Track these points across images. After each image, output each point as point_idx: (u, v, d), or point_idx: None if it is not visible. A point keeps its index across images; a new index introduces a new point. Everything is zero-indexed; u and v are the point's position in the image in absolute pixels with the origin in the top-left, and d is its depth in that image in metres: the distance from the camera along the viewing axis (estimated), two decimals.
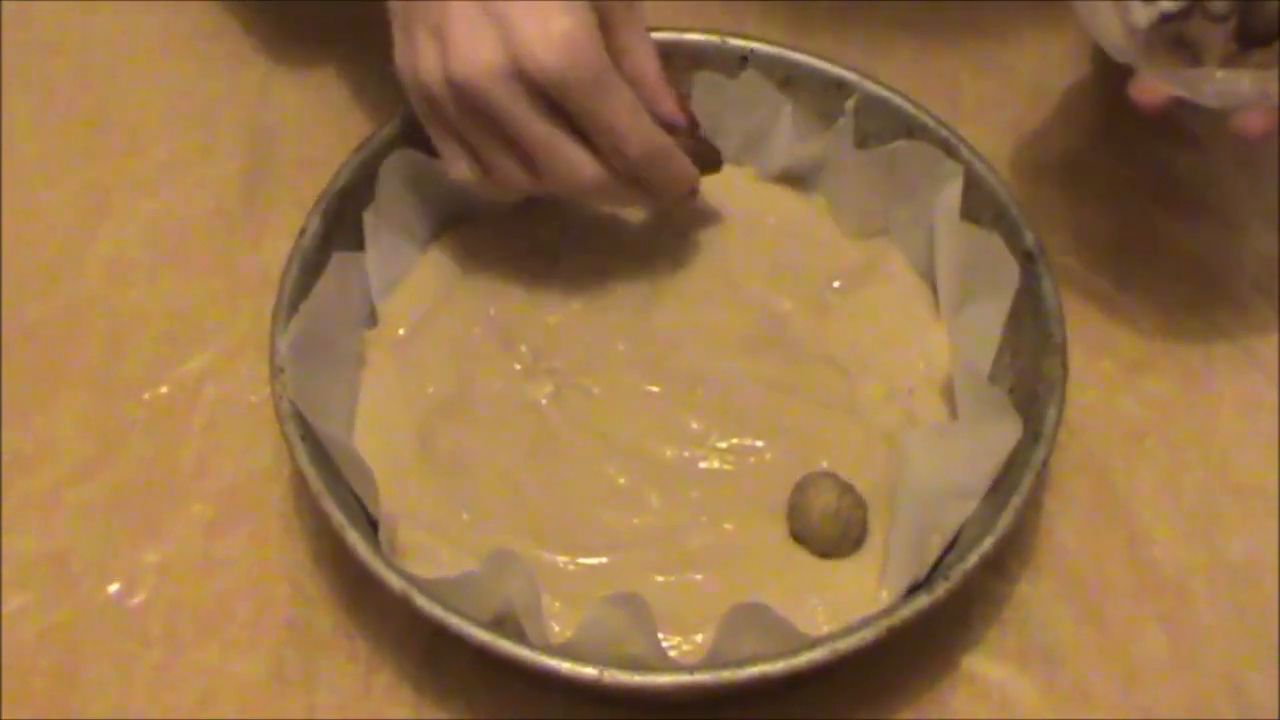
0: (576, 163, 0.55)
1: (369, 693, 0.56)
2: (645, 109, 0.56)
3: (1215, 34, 0.58)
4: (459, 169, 0.57)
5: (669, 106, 0.58)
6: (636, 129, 0.55)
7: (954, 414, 0.59)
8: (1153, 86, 0.57)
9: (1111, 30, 0.58)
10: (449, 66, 0.53)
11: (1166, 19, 0.58)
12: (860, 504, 0.56)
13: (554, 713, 0.55)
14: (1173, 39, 0.58)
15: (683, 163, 0.58)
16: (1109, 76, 0.59)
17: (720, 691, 0.52)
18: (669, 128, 0.58)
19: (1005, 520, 0.53)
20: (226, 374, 0.63)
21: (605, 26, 0.54)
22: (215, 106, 0.71)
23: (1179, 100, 0.56)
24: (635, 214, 0.64)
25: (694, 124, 0.60)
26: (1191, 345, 0.64)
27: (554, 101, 0.53)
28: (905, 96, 0.63)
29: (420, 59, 0.55)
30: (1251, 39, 0.58)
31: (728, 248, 0.63)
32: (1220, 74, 0.56)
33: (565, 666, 0.50)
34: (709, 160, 0.61)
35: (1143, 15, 0.58)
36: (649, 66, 0.58)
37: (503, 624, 0.52)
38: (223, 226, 0.67)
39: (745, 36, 0.64)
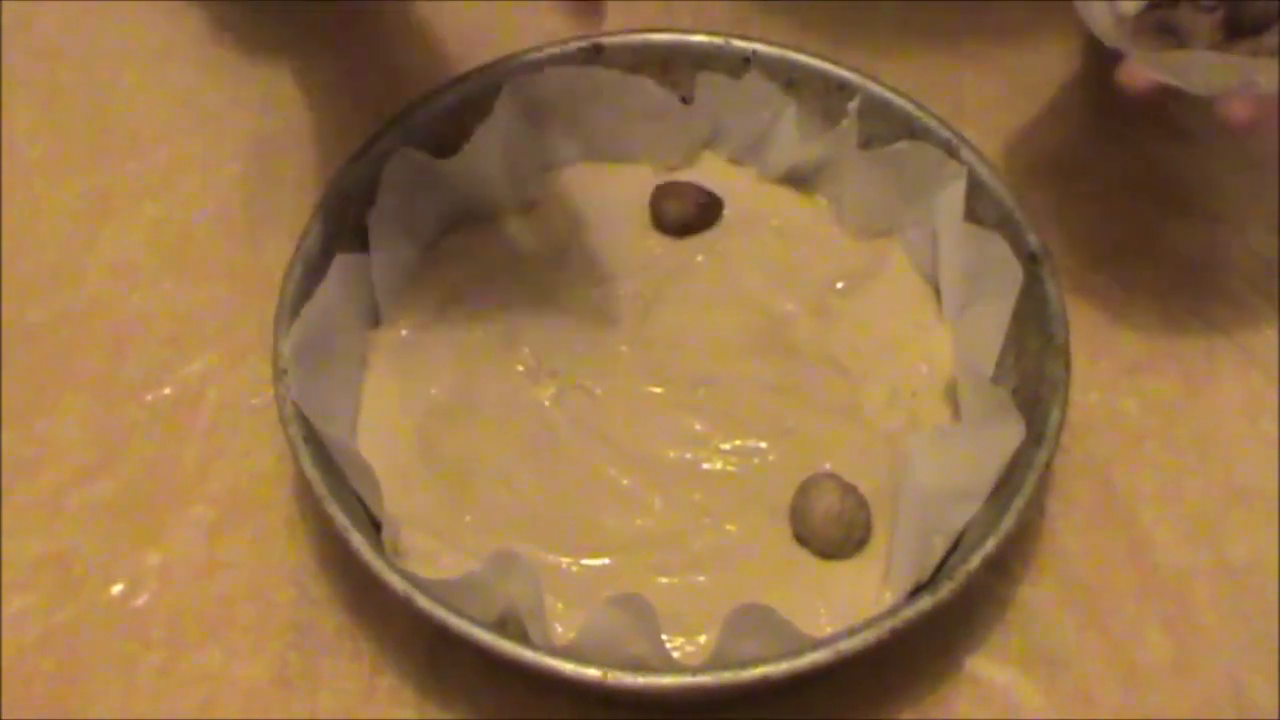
0: None
1: (372, 694, 0.56)
2: None
3: (1203, 23, 0.58)
4: None
5: None
6: None
7: (957, 416, 0.59)
8: (1139, 72, 0.57)
9: (1102, 17, 0.58)
10: None
11: (1155, 5, 0.58)
12: (863, 505, 0.56)
13: (557, 714, 0.55)
14: (1160, 26, 0.58)
15: None
16: (1103, 73, 0.59)
17: (723, 693, 0.52)
18: None
19: (1008, 522, 0.53)
20: (229, 377, 0.63)
21: None
22: (217, 110, 0.71)
23: (1165, 88, 0.56)
24: (638, 215, 0.64)
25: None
26: (1193, 347, 0.64)
27: None
28: (908, 98, 0.63)
29: None
30: (1239, 29, 0.58)
31: (730, 249, 0.63)
32: (1207, 58, 0.56)
33: (568, 668, 0.50)
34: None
35: (1131, 3, 0.58)
36: None
37: (506, 625, 0.52)
38: (225, 229, 0.67)
39: (748, 38, 0.64)
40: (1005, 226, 0.60)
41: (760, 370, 0.60)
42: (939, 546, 0.54)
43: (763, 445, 0.58)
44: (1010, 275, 0.58)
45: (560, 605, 0.54)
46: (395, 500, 0.56)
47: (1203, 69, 0.56)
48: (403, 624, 0.56)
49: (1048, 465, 0.55)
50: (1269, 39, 0.58)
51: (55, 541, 0.59)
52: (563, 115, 0.64)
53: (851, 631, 0.51)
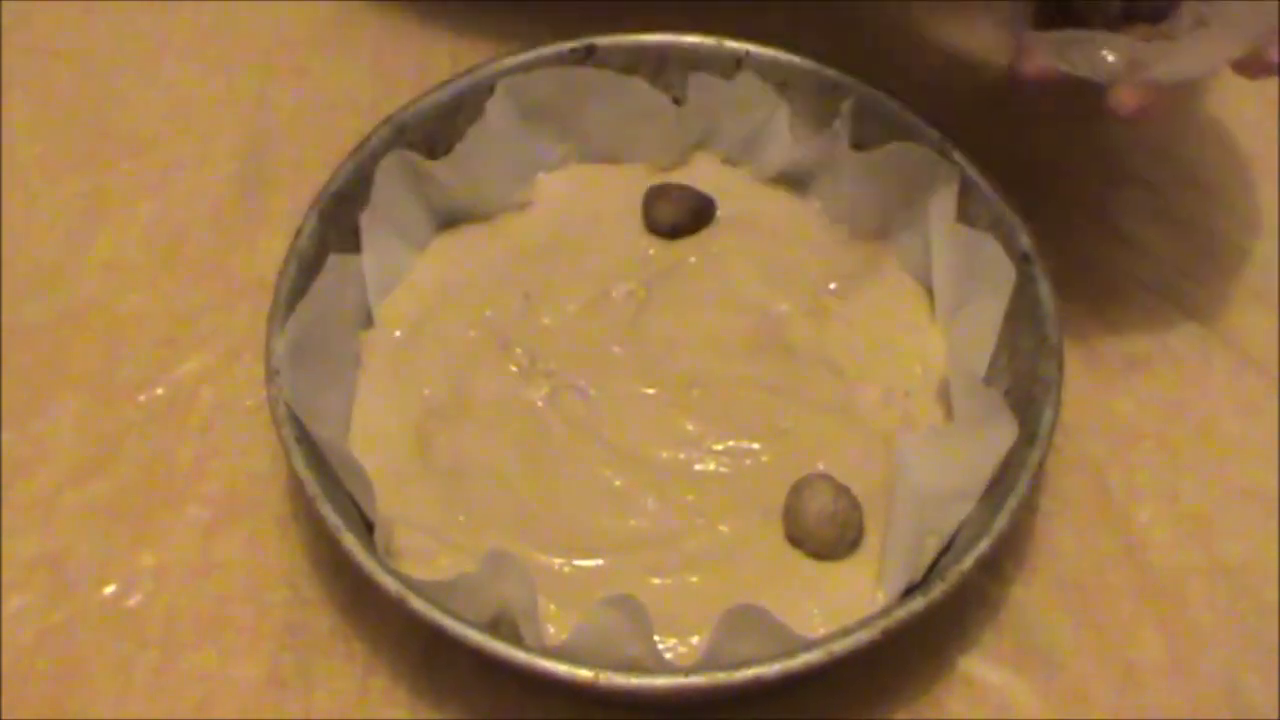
0: None
1: (366, 695, 0.56)
2: None
3: (1099, 12, 0.58)
4: None
5: None
6: None
7: (951, 416, 0.59)
8: (1032, 59, 0.56)
9: (1002, 7, 0.58)
10: None
11: None
12: (856, 506, 0.56)
13: (550, 715, 0.55)
14: (1059, 12, 0.58)
15: None
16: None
17: (716, 694, 0.52)
18: None
19: (1001, 522, 0.53)
20: (223, 377, 0.63)
21: None
22: (212, 109, 0.71)
23: (1060, 75, 0.56)
24: (631, 216, 0.64)
25: None
26: (1187, 346, 0.64)
27: None
28: (901, 99, 0.63)
29: None
30: (1137, 18, 0.58)
31: (723, 250, 0.63)
32: (1100, 37, 0.56)
33: (561, 669, 0.50)
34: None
35: None
36: None
37: (499, 626, 0.52)
38: (220, 229, 0.67)
39: (741, 39, 0.64)
40: (997, 227, 0.60)
41: (753, 371, 0.60)
42: (932, 547, 0.54)
43: (756, 446, 0.58)
44: (1003, 276, 0.58)
45: (553, 606, 0.54)
46: (388, 501, 0.56)
47: (1093, 51, 0.55)
48: (396, 625, 0.57)
49: (1041, 465, 0.55)
50: (1165, 27, 0.58)
51: (50, 542, 0.59)
52: (555, 116, 0.64)
53: (844, 632, 0.51)
